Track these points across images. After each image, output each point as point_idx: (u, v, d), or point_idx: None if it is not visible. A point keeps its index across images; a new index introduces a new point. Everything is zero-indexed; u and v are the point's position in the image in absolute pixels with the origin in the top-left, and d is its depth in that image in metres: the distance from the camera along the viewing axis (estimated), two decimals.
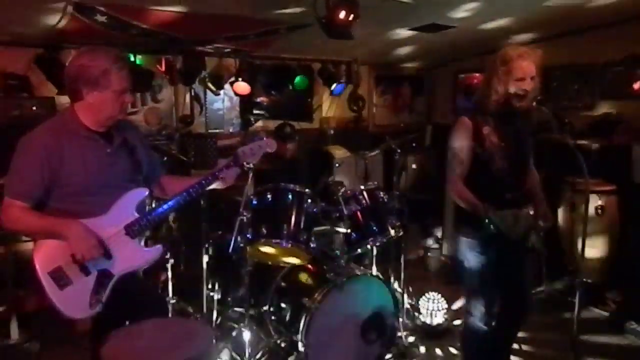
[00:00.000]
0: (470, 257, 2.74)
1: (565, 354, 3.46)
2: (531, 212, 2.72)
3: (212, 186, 2.46)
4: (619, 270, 4.31)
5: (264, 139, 2.56)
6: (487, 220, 2.44)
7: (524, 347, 3.60)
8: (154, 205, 2.39)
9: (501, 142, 2.59)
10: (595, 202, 4.26)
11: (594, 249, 4.27)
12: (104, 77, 2.16)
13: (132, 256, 2.28)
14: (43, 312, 3.76)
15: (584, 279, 2.76)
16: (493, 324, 2.75)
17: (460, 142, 2.63)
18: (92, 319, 2.25)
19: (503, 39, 5.00)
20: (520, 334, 3.23)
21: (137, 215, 2.28)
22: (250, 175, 2.68)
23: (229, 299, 3.94)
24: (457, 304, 4.22)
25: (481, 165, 2.60)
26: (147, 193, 2.33)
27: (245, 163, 2.51)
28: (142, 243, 2.35)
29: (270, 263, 3.50)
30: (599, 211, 4.28)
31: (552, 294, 4.38)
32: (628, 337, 3.77)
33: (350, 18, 3.30)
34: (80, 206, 2.20)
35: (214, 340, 2.33)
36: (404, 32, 4.85)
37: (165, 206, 2.33)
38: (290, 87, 5.70)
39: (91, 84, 2.17)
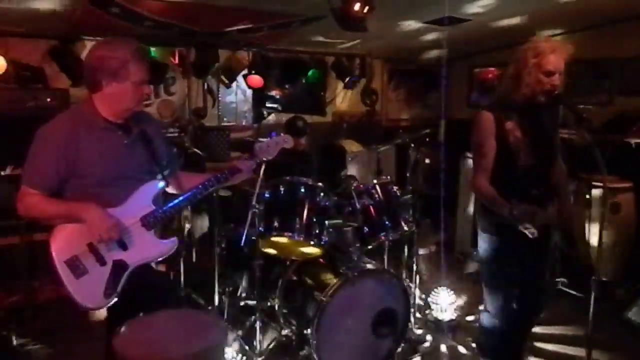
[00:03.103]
0: (490, 253, 2.71)
1: (579, 351, 3.45)
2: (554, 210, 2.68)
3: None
4: (635, 268, 4.26)
5: (282, 134, 2.56)
6: (513, 220, 2.39)
7: (537, 344, 3.58)
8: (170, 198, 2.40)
9: (525, 137, 2.54)
10: (611, 199, 4.21)
11: (610, 246, 4.21)
12: (123, 68, 2.17)
13: (148, 247, 2.29)
14: (57, 302, 3.81)
15: (599, 277, 2.72)
16: (509, 320, 2.73)
17: (482, 136, 2.57)
18: (107, 309, 2.27)
19: (519, 33, 4.95)
20: (534, 330, 3.19)
21: (153, 207, 2.29)
22: (263, 168, 2.67)
23: (241, 291, 3.95)
24: (467, 302, 4.20)
25: (506, 161, 2.55)
26: (164, 185, 2.34)
27: (261, 158, 2.51)
28: (158, 235, 2.35)
29: (282, 256, 3.50)
30: (615, 208, 4.22)
31: (566, 291, 4.34)
32: None
33: (365, 10, 3.28)
34: (97, 197, 2.21)
35: (225, 333, 2.32)
36: (418, 25, 4.80)
37: (181, 198, 2.34)
38: (304, 81, 5.69)
39: (110, 74, 2.18)
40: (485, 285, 2.82)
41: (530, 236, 2.36)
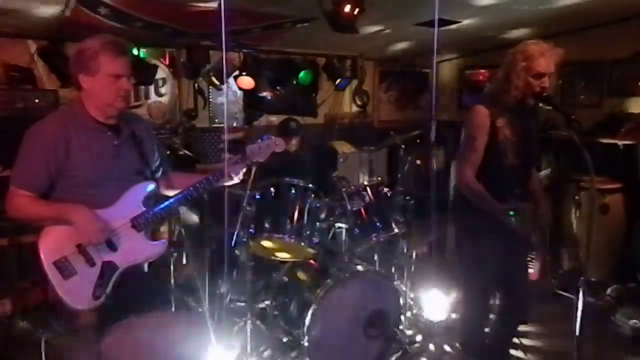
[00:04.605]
0: (468, 251, 2.73)
1: (566, 350, 3.47)
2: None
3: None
4: (624, 268, 4.29)
5: (273, 138, 2.55)
6: (506, 219, 2.41)
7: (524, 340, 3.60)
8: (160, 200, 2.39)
9: (513, 136, 2.57)
10: (600, 200, 4.24)
11: (599, 246, 4.24)
12: (94, 59, 2.16)
13: (138, 249, 2.28)
14: (46, 304, 3.78)
15: (588, 277, 2.75)
16: (487, 319, 2.75)
17: (476, 131, 2.58)
18: (96, 311, 2.26)
19: (509, 35, 4.98)
20: (521, 328, 3.20)
21: (143, 208, 2.28)
22: (254, 170, 2.67)
23: (231, 293, 3.93)
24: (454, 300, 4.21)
25: (493, 158, 2.57)
26: (154, 186, 2.33)
27: (252, 161, 2.51)
28: (148, 236, 2.34)
29: (273, 258, 3.49)
30: (604, 209, 4.26)
31: (555, 291, 4.36)
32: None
33: (356, 12, 3.29)
34: (87, 198, 2.19)
35: (214, 335, 2.32)
36: (409, 27, 4.82)
37: (172, 200, 2.33)
38: (295, 82, 5.68)
39: (84, 68, 2.18)
40: (464, 285, 2.84)
41: (521, 232, 2.39)
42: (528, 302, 2.91)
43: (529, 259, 2.90)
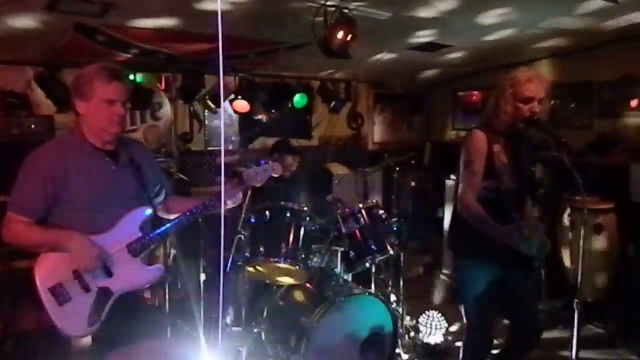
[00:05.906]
0: (469, 279, 2.73)
1: None
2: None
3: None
4: (618, 289, 4.29)
5: (270, 162, 2.57)
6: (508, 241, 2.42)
7: None
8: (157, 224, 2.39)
9: (509, 162, 2.61)
10: (593, 220, 4.25)
11: (593, 267, 4.25)
12: (88, 85, 2.20)
13: (134, 274, 2.28)
14: (39, 331, 3.74)
15: (583, 298, 2.74)
16: (490, 344, 2.74)
17: (474, 155, 2.61)
18: (91, 338, 2.24)
19: (502, 57, 5.06)
20: None
21: (140, 233, 2.28)
22: (249, 193, 2.68)
23: (227, 318, 3.91)
24: (456, 325, 4.19)
25: (490, 182, 2.59)
26: (151, 212, 2.34)
27: (249, 185, 2.52)
28: (144, 262, 2.34)
29: (267, 282, 3.49)
30: (598, 229, 4.27)
31: (551, 312, 4.35)
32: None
33: (348, 38, 3.33)
34: (84, 222, 2.20)
35: None
36: (402, 51, 4.88)
37: (168, 225, 2.33)
38: (290, 105, 5.73)
39: (79, 93, 2.22)
40: (466, 313, 2.81)
41: (526, 252, 2.40)
42: (538, 326, 2.87)
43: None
